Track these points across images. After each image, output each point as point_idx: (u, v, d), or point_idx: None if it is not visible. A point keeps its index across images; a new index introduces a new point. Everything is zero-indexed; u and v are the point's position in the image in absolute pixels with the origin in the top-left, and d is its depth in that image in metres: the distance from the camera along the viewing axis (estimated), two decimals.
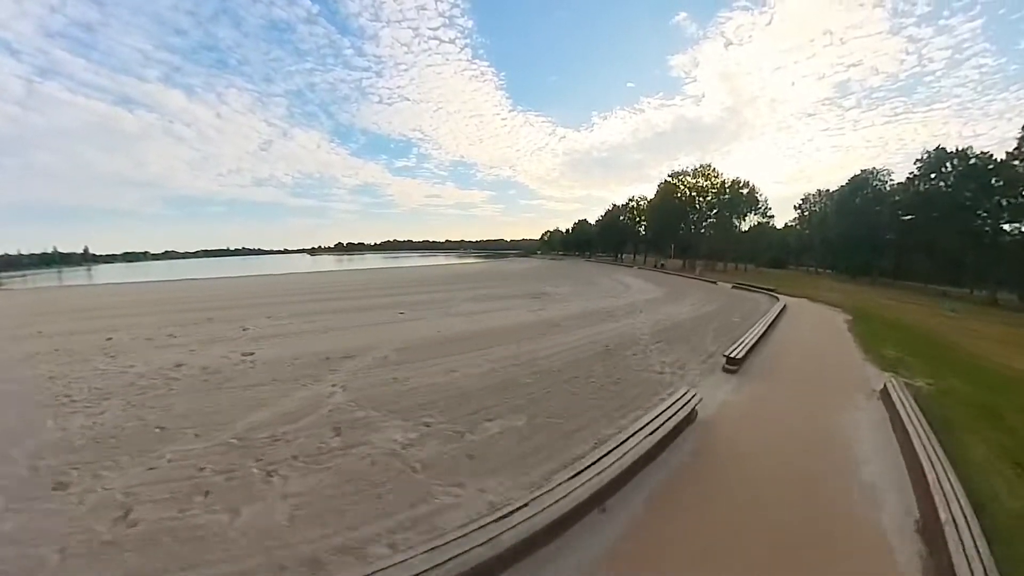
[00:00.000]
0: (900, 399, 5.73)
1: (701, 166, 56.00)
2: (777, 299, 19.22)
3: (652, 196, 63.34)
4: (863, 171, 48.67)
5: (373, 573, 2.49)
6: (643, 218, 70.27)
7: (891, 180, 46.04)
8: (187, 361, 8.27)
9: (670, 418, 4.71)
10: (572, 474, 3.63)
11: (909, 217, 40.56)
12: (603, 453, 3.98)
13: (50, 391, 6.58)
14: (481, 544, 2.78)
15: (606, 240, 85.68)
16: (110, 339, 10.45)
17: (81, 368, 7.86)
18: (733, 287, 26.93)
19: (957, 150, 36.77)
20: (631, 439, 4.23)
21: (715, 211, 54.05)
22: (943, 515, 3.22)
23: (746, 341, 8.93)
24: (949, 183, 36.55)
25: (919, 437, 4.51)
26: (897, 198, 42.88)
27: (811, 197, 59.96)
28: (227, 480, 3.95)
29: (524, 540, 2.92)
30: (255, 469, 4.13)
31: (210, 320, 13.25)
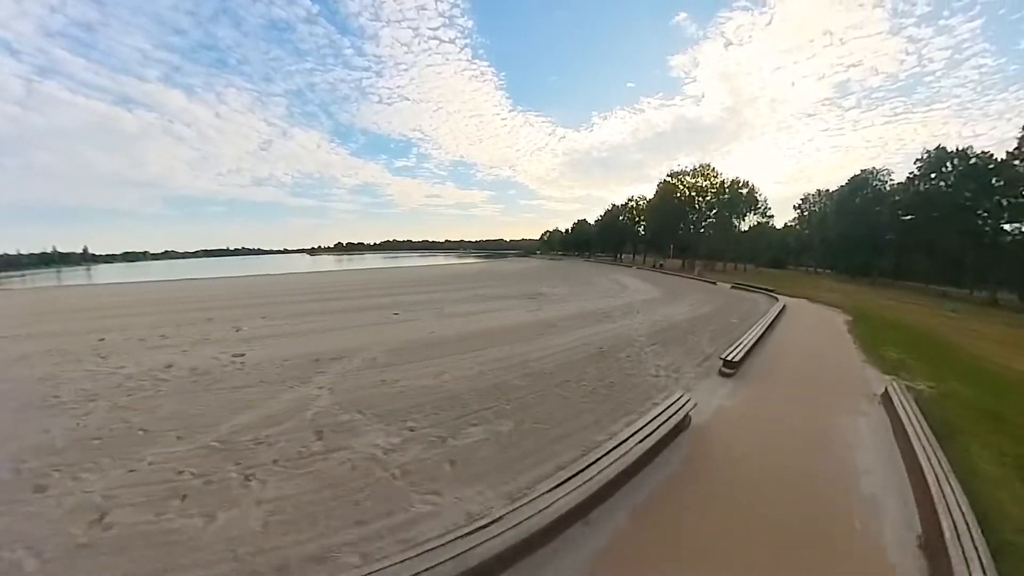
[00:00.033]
0: (902, 404, 5.56)
1: (700, 166, 55.88)
2: (776, 299, 19.06)
3: (651, 196, 63.23)
4: (863, 171, 48.54)
5: None
6: (642, 218, 70.12)
7: (891, 180, 45.92)
8: (177, 362, 8.18)
9: (662, 424, 4.53)
10: (554, 484, 3.45)
11: (909, 217, 40.42)
12: (589, 462, 3.80)
13: (38, 392, 6.52)
14: (450, 558, 2.62)
15: (605, 240, 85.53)
16: (103, 340, 10.37)
17: (71, 369, 7.79)
18: (732, 287, 26.77)
19: (957, 150, 36.64)
20: (619, 447, 4.06)
21: (714, 211, 53.88)
22: (947, 531, 3.06)
23: (744, 343, 8.76)
24: (949, 183, 36.40)
25: (921, 445, 4.35)
26: (897, 198, 42.73)
27: (811, 197, 59.88)
28: (205, 484, 3.91)
29: (496, 556, 2.75)
30: (234, 473, 4.08)
31: (205, 320, 13.14)
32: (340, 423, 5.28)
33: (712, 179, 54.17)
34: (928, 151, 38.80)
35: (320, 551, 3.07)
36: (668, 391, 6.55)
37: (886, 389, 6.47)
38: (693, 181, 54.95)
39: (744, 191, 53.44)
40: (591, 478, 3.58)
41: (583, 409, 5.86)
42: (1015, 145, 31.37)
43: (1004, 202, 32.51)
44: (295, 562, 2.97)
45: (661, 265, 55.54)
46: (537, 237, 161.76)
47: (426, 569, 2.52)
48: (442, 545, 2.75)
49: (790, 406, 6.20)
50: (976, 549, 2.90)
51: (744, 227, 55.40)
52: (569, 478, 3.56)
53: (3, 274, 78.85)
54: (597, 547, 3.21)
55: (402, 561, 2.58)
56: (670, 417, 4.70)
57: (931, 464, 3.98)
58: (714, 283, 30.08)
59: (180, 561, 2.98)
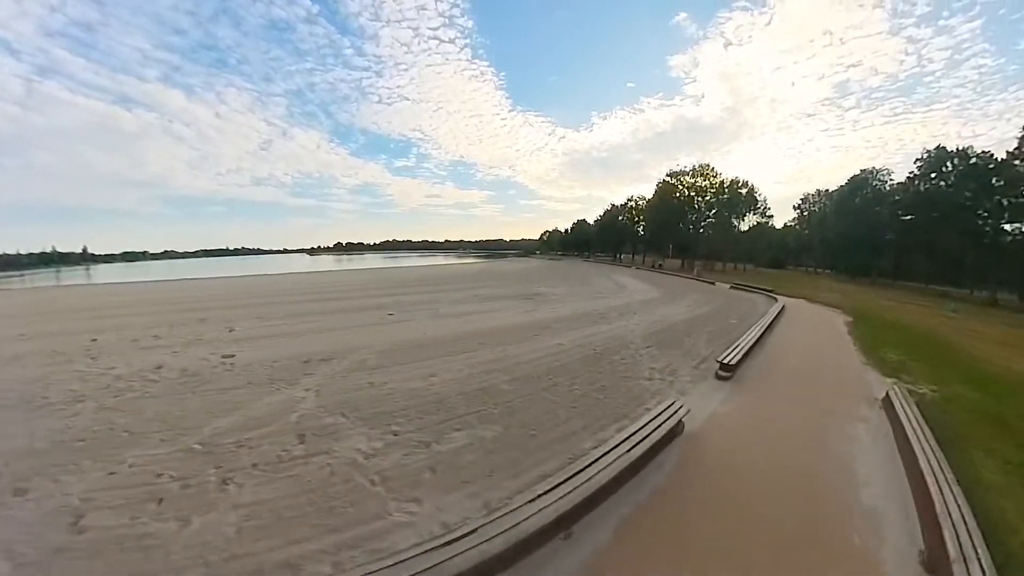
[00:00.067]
0: (903, 409, 5.37)
1: (700, 166, 55.64)
2: (775, 300, 18.89)
3: (651, 196, 63.06)
4: (863, 171, 48.37)
5: None
6: (642, 218, 69.98)
7: (891, 180, 45.75)
8: (168, 363, 8.10)
9: (652, 432, 4.34)
10: (534, 495, 3.28)
11: (909, 217, 40.27)
12: (574, 471, 3.62)
13: (27, 393, 6.47)
14: (420, 572, 2.47)
15: (605, 240, 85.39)
16: (95, 340, 10.29)
17: (62, 370, 7.73)
18: (731, 288, 26.60)
19: (958, 149, 36.46)
20: (606, 456, 3.87)
21: (714, 211, 53.71)
22: (951, 546, 2.88)
23: (741, 345, 8.58)
24: (949, 183, 36.24)
25: (924, 452, 4.17)
26: (897, 198, 42.56)
27: (810, 197, 59.72)
28: (183, 488, 3.86)
29: (468, 570, 2.58)
30: (213, 476, 4.03)
31: (199, 321, 13.05)
32: (323, 426, 5.19)
33: (711, 179, 54.00)
34: (928, 151, 38.66)
35: (291, 558, 3.01)
36: (662, 395, 6.37)
37: (887, 393, 6.30)
38: (692, 181, 54.79)
39: (744, 191, 53.27)
40: (574, 488, 3.39)
41: (572, 414, 5.67)
42: (1015, 145, 31.24)
43: (1004, 202, 32.35)
44: (266, 569, 2.92)
45: (660, 265, 55.36)
46: (537, 237, 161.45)
47: None
48: (412, 557, 2.63)
49: (788, 411, 6.01)
50: (981, 567, 2.74)
51: (744, 227, 55.25)
52: (550, 489, 3.38)
53: (3, 274, 78.67)
54: (577, 563, 3.03)
55: (367, 574, 2.48)
56: (661, 424, 4.52)
57: (934, 474, 3.81)
58: (713, 283, 29.92)
59: (151, 567, 2.94)
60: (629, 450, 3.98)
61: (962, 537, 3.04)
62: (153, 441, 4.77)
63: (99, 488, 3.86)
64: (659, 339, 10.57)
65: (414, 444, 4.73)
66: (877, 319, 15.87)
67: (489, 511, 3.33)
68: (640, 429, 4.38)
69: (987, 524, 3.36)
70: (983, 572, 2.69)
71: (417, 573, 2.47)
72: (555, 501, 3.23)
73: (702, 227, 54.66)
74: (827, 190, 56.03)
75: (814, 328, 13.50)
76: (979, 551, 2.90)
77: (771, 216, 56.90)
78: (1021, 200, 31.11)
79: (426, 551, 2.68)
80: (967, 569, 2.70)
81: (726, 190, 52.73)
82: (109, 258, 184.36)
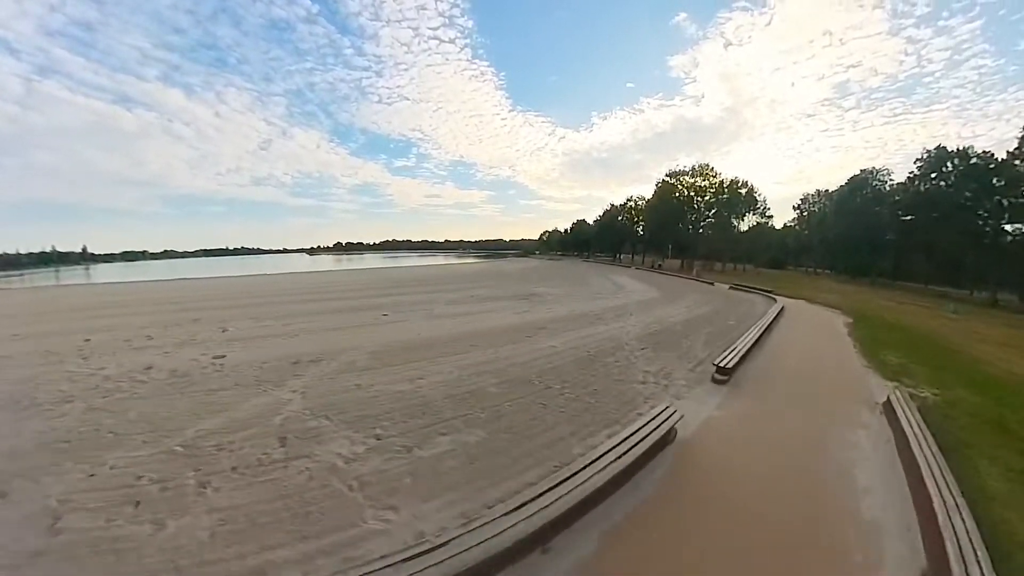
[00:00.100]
0: (905, 414, 5.20)
1: (699, 165, 55.42)
2: (774, 301, 18.71)
3: (650, 196, 62.87)
4: (862, 171, 48.13)
5: None
6: (641, 218, 69.79)
7: (891, 180, 45.54)
8: (158, 364, 8.05)
9: (643, 439, 4.16)
10: (515, 506, 3.10)
11: (909, 217, 40.07)
12: (558, 480, 3.46)
13: (16, 394, 6.43)
14: None
15: (604, 240, 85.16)
16: (88, 340, 10.24)
17: (53, 371, 7.70)
18: (730, 288, 26.43)
19: (958, 149, 36.27)
20: (593, 464, 3.70)
21: (713, 211, 53.49)
22: (955, 565, 2.72)
23: (739, 348, 8.38)
24: (950, 183, 36.04)
25: (926, 461, 4.00)
26: (897, 198, 42.36)
27: (810, 197, 59.44)
28: (161, 490, 3.84)
29: None
30: (191, 479, 4.01)
31: (192, 321, 12.96)
32: (307, 429, 5.11)
33: (711, 179, 53.78)
34: (928, 151, 38.45)
35: (262, 565, 2.96)
36: (656, 400, 6.20)
37: (888, 398, 6.12)
38: (692, 181, 54.58)
39: (743, 191, 53.02)
40: (558, 499, 3.23)
41: (561, 419, 5.49)
42: (1015, 145, 31.07)
43: (1005, 202, 32.18)
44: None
45: (659, 265, 55.18)
46: (537, 237, 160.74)
47: None
48: (380, 569, 2.51)
49: (786, 417, 5.82)
50: None
51: (743, 227, 55.01)
52: (532, 499, 3.21)
53: (2, 274, 78.48)
54: None
55: None
56: (652, 431, 4.33)
57: (936, 483, 3.65)
58: (712, 284, 29.75)
59: (123, 570, 2.93)
60: (617, 458, 3.80)
61: (966, 552, 2.89)
62: (136, 443, 4.74)
63: (79, 490, 3.84)
64: (655, 341, 10.39)
65: (396, 449, 4.63)
66: (877, 320, 15.71)
67: (467, 521, 3.18)
68: (630, 436, 4.20)
69: (992, 537, 3.20)
70: None
71: None
72: (536, 512, 3.07)
73: (701, 227, 54.46)
74: (827, 190, 55.80)
75: (813, 329, 13.33)
76: (983, 567, 2.74)
77: (771, 216, 56.70)
78: (1021, 200, 30.93)
79: (395, 563, 2.57)
80: None
81: (725, 190, 52.49)
82: (109, 257, 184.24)
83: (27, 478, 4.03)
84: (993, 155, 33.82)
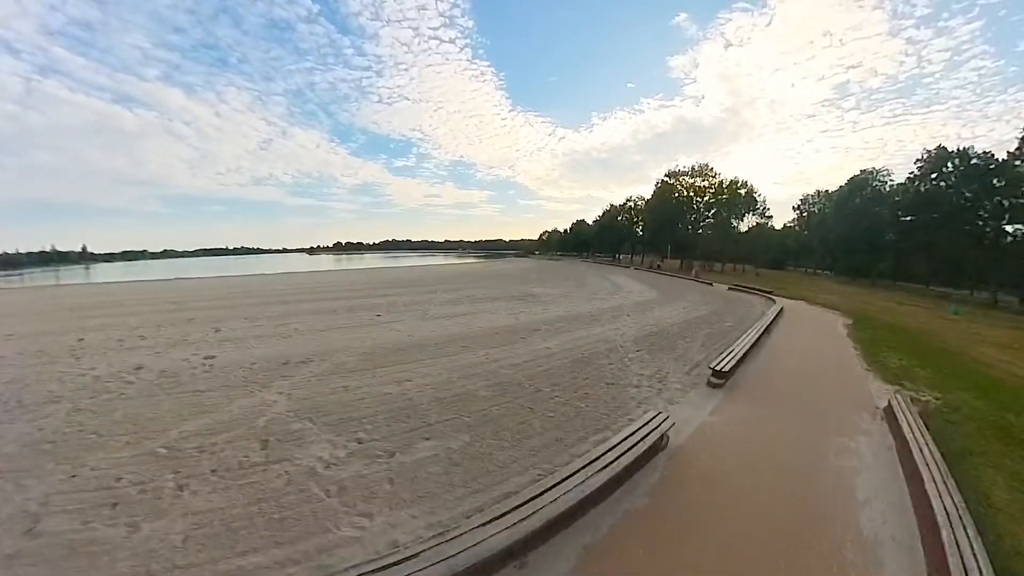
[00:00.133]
0: (907, 421, 5.02)
1: (698, 166, 55.20)
2: (773, 302, 18.51)
3: (649, 196, 62.64)
4: (862, 171, 47.84)
5: None
6: (640, 218, 69.55)
7: (890, 181, 45.30)
8: (148, 364, 8.01)
9: (631, 448, 3.98)
10: (491, 517, 2.93)
11: (909, 218, 39.86)
12: (539, 491, 3.28)
13: (4, 394, 6.42)
14: None
15: (603, 241, 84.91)
16: (82, 340, 10.26)
17: (44, 371, 7.69)
18: (729, 289, 26.23)
19: (958, 150, 36.06)
20: (577, 474, 3.52)
21: (713, 211, 53.26)
22: None
23: (736, 351, 8.18)
24: (950, 183, 35.84)
25: (929, 471, 3.82)
26: (897, 199, 42.15)
27: (810, 198, 59.19)
28: (139, 492, 3.83)
29: None
30: (170, 482, 3.99)
31: (187, 321, 12.93)
32: (289, 432, 5.05)
33: (710, 179, 53.56)
34: (928, 151, 38.22)
35: (233, 571, 2.93)
36: (649, 405, 6.02)
37: (890, 403, 5.94)
38: (691, 181, 54.36)
39: (743, 191, 52.75)
40: (537, 510, 3.05)
41: (549, 425, 5.32)
42: (1015, 146, 30.89)
43: (1005, 203, 31.99)
44: None
45: (658, 266, 54.95)
46: (536, 237, 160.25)
47: None
48: None
49: (783, 422, 5.63)
50: None
51: (743, 228, 54.72)
52: (511, 510, 3.04)
53: (2, 273, 78.36)
54: None
55: None
56: (642, 439, 4.15)
57: (939, 495, 3.47)
58: (711, 284, 29.57)
59: (94, 575, 2.91)
60: (603, 468, 3.62)
61: (970, 568, 2.72)
62: (119, 444, 4.73)
63: (59, 492, 3.83)
64: (651, 343, 10.21)
65: (377, 453, 4.54)
66: (878, 321, 15.54)
67: (442, 531, 3.04)
68: (618, 444, 4.02)
69: (999, 554, 3.03)
70: None
71: None
72: (514, 524, 2.90)
73: (701, 228, 54.23)
74: (827, 191, 55.52)
75: (813, 331, 13.15)
76: None
77: (771, 217, 56.28)
78: (1022, 201, 30.75)
79: (363, 573, 2.46)
80: None
81: (725, 190, 52.25)
82: (108, 257, 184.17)
83: (8, 480, 4.01)
84: (994, 155, 33.63)
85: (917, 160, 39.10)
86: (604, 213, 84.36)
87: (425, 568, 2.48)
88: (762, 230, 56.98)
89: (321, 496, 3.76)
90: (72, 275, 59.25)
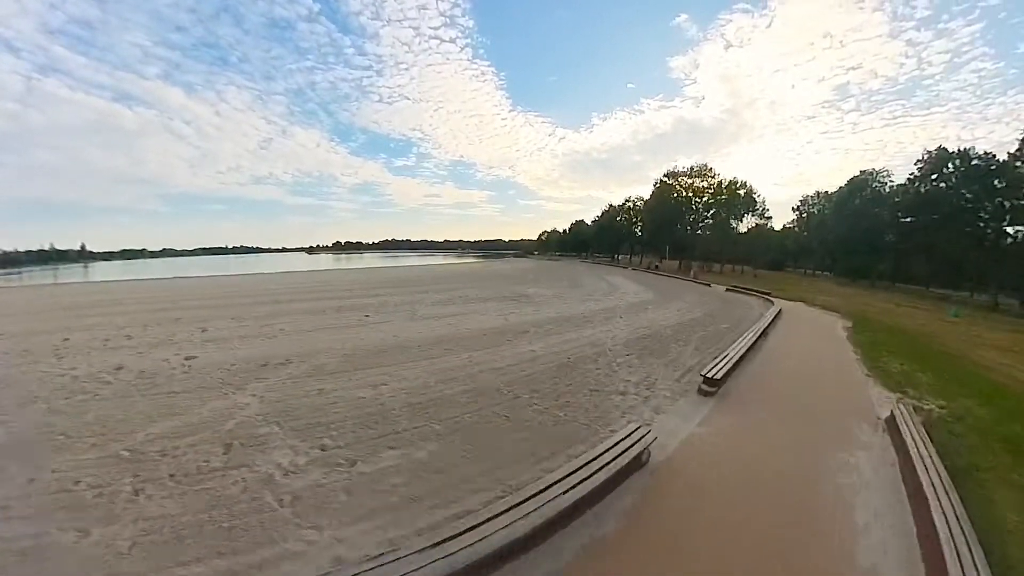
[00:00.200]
0: (910, 433, 4.68)
1: (698, 166, 54.89)
2: (772, 303, 18.21)
3: (648, 197, 62.31)
4: (862, 172, 47.57)
5: None
6: (639, 219, 69.24)
7: (890, 182, 45.00)
8: (128, 364, 7.87)
9: (608, 464, 3.65)
10: (445, 536, 2.62)
11: (909, 219, 39.56)
12: (502, 508, 2.97)
13: None
14: None
15: (603, 241, 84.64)
16: (67, 340, 10.14)
17: (24, 370, 7.61)
18: (727, 290, 25.92)
19: (959, 151, 35.78)
20: (546, 491, 3.20)
21: (712, 212, 52.95)
22: None
23: (730, 355, 7.80)
24: (950, 184, 35.55)
25: (933, 490, 3.50)
26: (897, 200, 41.86)
27: (810, 199, 58.86)
28: (95, 496, 3.76)
29: None
30: (127, 486, 3.90)
31: (175, 321, 12.74)
32: (254, 436, 4.93)
33: (709, 180, 53.26)
34: (929, 152, 37.96)
35: None
36: (634, 414, 5.69)
37: (892, 412, 5.60)
38: (690, 182, 54.06)
39: (742, 192, 52.43)
40: (497, 530, 2.74)
41: (523, 436, 4.97)
42: (1016, 147, 30.59)
43: (1006, 204, 31.72)
44: None
45: (656, 266, 54.62)
46: (536, 237, 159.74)
47: None
48: None
49: (777, 435, 5.27)
50: None
51: (742, 229, 54.39)
52: (467, 529, 2.73)
53: (2, 272, 78.09)
54: None
55: None
56: (620, 455, 3.81)
57: (945, 518, 3.16)
58: (708, 285, 29.27)
59: None
60: (575, 486, 3.29)
61: None
62: (85, 446, 4.67)
63: (16, 496, 3.76)
64: (642, 346, 9.88)
65: (338, 462, 4.35)
66: (878, 324, 15.24)
67: (390, 550, 2.76)
68: (593, 460, 3.69)
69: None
70: None
71: None
72: (470, 545, 2.59)
73: (700, 228, 53.90)
74: (826, 192, 55.19)
75: (812, 334, 12.84)
76: None
77: (770, 218, 55.97)
78: (1023, 202, 30.45)
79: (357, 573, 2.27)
80: None
81: (724, 191, 51.94)
82: (107, 256, 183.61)
83: None
84: (994, 156, 33.35)
85: (917, 161, 38.88)
86: (603, 213, 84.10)
87: None
88: (761, 231, 56.66)
89: (274, 506, 3.62)
90: (70, 274, 59.01)
